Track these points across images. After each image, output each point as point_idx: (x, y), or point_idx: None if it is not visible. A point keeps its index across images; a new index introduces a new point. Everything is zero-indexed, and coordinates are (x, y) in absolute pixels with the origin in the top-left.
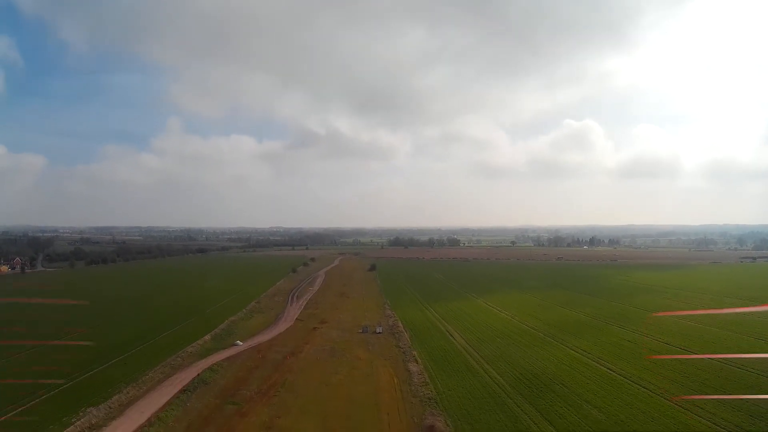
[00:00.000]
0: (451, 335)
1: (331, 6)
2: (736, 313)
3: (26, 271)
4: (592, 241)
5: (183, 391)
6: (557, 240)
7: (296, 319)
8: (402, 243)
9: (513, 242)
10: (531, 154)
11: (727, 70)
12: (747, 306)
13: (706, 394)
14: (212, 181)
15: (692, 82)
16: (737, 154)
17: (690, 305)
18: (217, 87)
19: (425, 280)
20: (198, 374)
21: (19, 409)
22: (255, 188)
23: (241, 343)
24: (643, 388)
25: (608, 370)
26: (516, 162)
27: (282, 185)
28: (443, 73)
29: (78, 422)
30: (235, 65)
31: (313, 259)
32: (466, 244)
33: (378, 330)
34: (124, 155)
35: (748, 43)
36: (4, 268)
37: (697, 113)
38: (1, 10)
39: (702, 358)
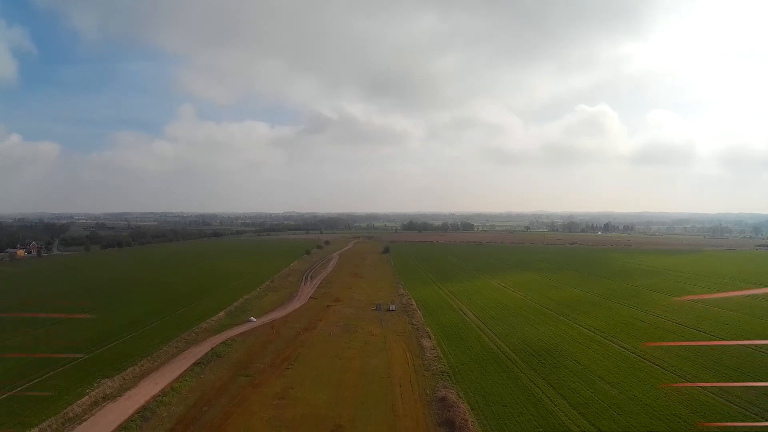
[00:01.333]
0: (464, 313)
1: None
2: (750, 296)
3: (42, 255)
4: (607, 227)
5: (197, 363)
6: (571, 225)
7: (310, 297)
8: (416, 227)
9: (527, 227)
10: (544, 140)
11: (743, 56)
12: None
13: (721, 375)
14: (226, 166)
15: (708, 67)
16: (753, 141)
17: (705, 289)
18: (229, 73)
19: (438, 261)
20: (212, 348)
21: (36, 380)
22: (268, 173)
23: (255, 320)
24: (657, 366)
25: (622, 348)
26: (529, 147)
27: (295, 170)
28: (455, 57)
29: (92, 392)
30: (247, 51)
31: (327, 242)
32: (480, 229)
33: (391, 308)
34: (138, 142)
35: (766, 28)
36: (21, 252)
37: (712, 99)
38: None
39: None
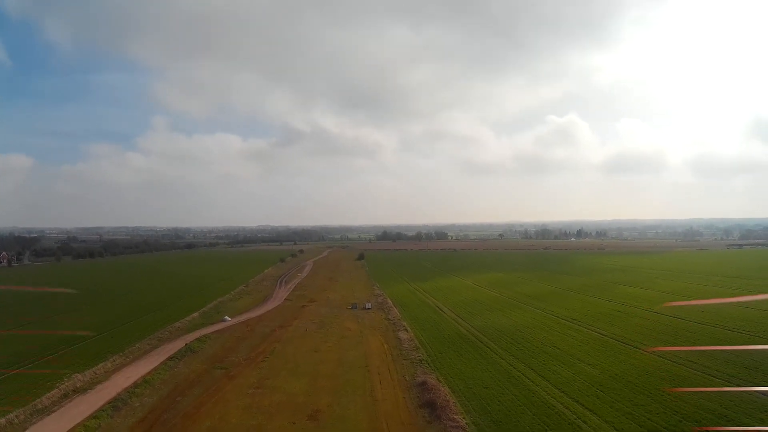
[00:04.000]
0: (440, 309)
1: (314, 5)
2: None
3: (13, 264)
4: (579, 233)
5: (170, 358)
6: (544, 233)
7: (285, 299)
8: (390, 237)
9: (501, 235)
10: (517, 150)
11: (710, 65)
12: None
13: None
14: (199, 180)
15: (676, 77)
16: (721, 148)
17: (678, 283)
18: (203, 85)
19: (413, 266)
20: (186, 344)
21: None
22: (242, 187)
23: (230, 319)
24: (634, 348)
25: (599, 335)
26: (502, 158)
27: (269, 183)
28: (428, 70)
29: (62, 385)
30: (220, 64)
31: (301, 251)
32: (454, 238)
33: (367, 306)
34: (111, 154)
35: (731, 38)
36: None
37: (680, 108)
38: None
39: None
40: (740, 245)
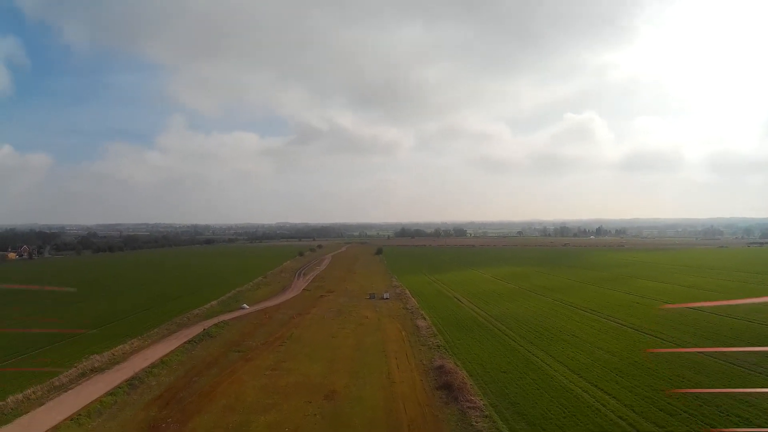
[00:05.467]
0: (459, 300)
1: (327, 3)
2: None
3: (33, 257)
4: (599, 231)
5: (188, 342)
6: (564, 230)
7: (303, 289)
8: (408, 234)
9: (520, 233)
10: (533, 148)
11: (728, 62)
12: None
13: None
14: (216, 177)
15: (692, 73)
16: (739, 146)
17: (697, 278)
18: (218, 84)
19: (431, 260)
20: (204, 329)
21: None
22: (259, 184)
23: (248, 307)
24: (655, 337)
25: (619, 324)
26: (518, 156)
27: (286, 181)
28: (442, 67)
29: (80, 365)
30: (235, 62)
31: (319, 246)
32: (473, 235)
33: (385, 296)
34: (129, 153)
35: (748, 33)
36: (12, 255)
37: (698, 105)
38: (5, 12)
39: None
40: (761, 243)
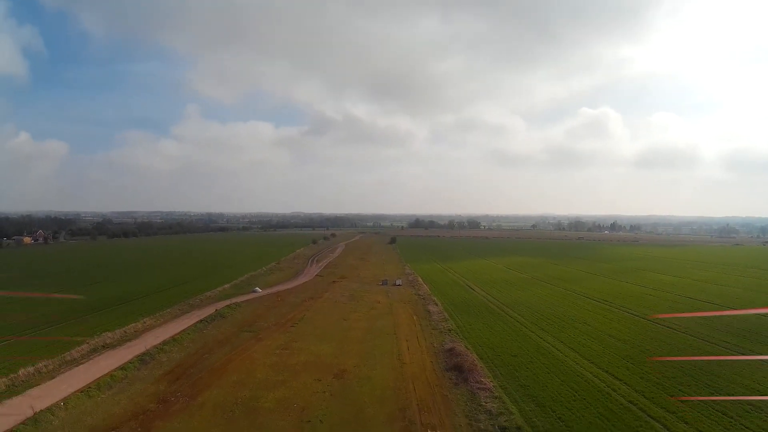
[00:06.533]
0: (471, 287)
1: None
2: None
3: (49, 242)
4: (613, 227)
5: (200, 321)
6: (578, 225)
7: (316, 275)
8: (422, 225)
9: (534, 226)
10: (548, 142)
11: (746, 59)
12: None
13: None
14: (231, 166)
15: (710, 70)
16: (757, 144)
17: (710, 273)
18: (235, 74)
19: (444, 250)
20: (216, 310)
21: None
22: (274, 174)
23: (260, 290)
24: (667, 327)
25: (631, 315)
26: (533, 150)
27: (300, 171)
28: (458, 60)
29: (92, 341)
30: (252, 52)
31: (333, 235)
32: (487, 228)
33: (397, 282)
34: (145, 141)
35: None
36: (28, 239)
37: (715, 102)
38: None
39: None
40: None
